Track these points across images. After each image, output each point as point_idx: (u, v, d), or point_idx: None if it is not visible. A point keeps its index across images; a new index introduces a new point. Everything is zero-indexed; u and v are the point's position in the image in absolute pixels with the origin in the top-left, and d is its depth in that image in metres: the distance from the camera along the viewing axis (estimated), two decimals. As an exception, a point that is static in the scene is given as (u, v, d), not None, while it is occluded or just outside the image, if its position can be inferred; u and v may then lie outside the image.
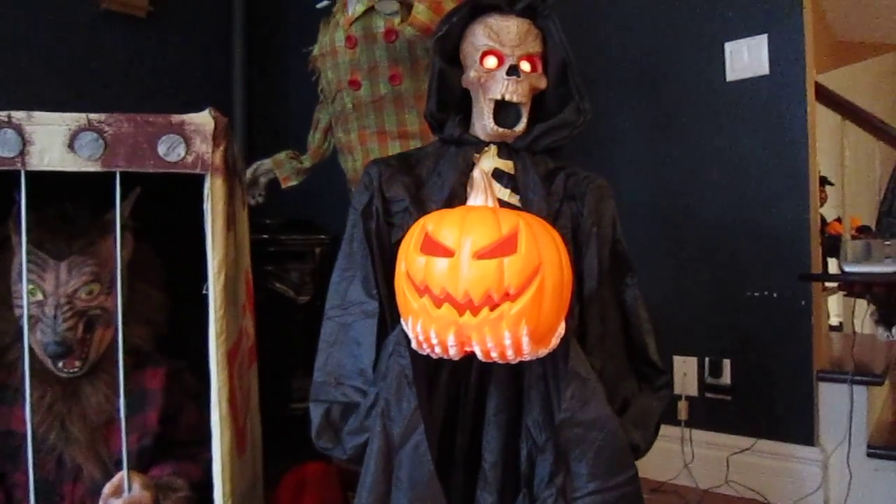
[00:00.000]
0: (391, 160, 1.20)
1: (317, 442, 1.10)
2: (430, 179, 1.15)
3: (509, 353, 0.87)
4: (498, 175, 1.13)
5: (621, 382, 1.14)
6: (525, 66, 1.14)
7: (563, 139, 1.17)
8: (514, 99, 1.11)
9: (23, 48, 2.34)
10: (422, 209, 1.09)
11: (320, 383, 1.11)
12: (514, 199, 1.12)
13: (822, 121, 2.29)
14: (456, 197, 1.09)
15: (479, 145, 1.16)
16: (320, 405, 1.10)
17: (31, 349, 1.13)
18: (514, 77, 1.10)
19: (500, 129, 1.12)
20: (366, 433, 1.03)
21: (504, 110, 1.13)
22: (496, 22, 1.14)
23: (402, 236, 1.08)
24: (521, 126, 1.13)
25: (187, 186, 1.15)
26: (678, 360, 1.99)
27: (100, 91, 2.50)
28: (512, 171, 1.14)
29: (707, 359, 1.96)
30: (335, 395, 1.09)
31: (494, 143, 1.15)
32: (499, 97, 1.11)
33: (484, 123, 1.13)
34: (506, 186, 1.13)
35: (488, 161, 1.15)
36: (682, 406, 1.97)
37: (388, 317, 1.08)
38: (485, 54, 1.13)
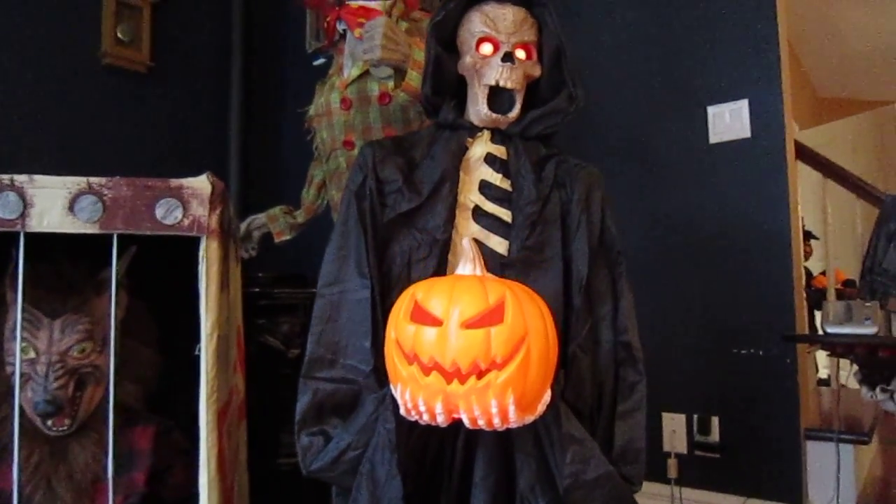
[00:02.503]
0: (385, 142, 1.22)
1: (299, 427, 1.07)
2: (424, 162, 1.15)
3: (496, 421, 0.88)
4: (490, 160, 1.15)
5: (604, 371, 1.13)
6: (520, 53, 1.16)
7: (555, 126, 1.19)
8: (509, 85, 1.13)
9: (26, 100, 2.39)
10: (414, 190, 1.11)
11: (315, 360, 1.09)
12: (506, 184, 1.13)
13: (806, 175, 2.35)
14: (448, 179, 1.11)
15: (473, 130, 1.17)
16: (311, 383, 1.08)
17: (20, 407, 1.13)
18: (508, 64, 1.12)
19: (494, 115, 1.14)
20: (333, 472, 1.04)
21: (498, 96, 1.15)
22: (493, 10, 1.16)
23: (394, 217, 1.10)
24: (514, 112, 1.15)
25: (181, 244, 1.16)
26: (667, 417, 1.99)
27: (100, 142, 2.56)
28: (504, 157, 1.15)
29: (696, 416, 1.96)
30: (328, 374, 1.08)
31: (488, 129, 1.17)
32: (493, 83, 1.13)
33: (478, 109, 1.15)
34: (498, 171, 1.14)
35: (481, 146, 1.16)
36: (672, 464, 1.97)
37: (379, 297, 1.07)
38: (481, 41, 1.15)
